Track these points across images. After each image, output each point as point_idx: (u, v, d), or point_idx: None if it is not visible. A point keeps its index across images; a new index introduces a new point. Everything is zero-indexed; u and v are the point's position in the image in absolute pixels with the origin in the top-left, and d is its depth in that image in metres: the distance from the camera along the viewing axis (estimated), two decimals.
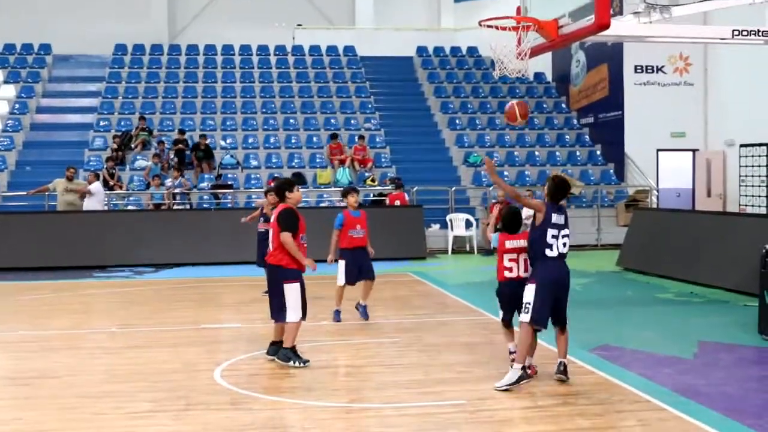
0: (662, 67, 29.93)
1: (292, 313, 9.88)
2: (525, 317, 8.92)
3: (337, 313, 12.86)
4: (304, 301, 9.99)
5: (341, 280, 12.86)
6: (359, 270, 12.90)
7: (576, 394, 8.59)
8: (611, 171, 29.76)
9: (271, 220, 10.18)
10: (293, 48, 36.83)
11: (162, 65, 35.31)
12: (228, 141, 30.01)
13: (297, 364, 9.76)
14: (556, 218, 8.99)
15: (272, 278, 10.07)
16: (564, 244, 9.04)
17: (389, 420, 7.89)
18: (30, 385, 9.37)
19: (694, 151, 29.56)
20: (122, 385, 9.23)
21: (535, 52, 14.71)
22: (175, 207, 24.88)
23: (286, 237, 9.80)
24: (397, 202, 24.24)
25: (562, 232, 9.01)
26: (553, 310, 9.05)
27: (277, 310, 10.04)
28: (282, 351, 9.93)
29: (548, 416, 7.88)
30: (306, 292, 10.05)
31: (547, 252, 8.94)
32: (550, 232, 8.94)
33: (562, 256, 9.03)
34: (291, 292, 9.88)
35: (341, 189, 15.79)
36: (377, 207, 24.27)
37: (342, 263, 12.89)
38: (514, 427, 7.64)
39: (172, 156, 27.46)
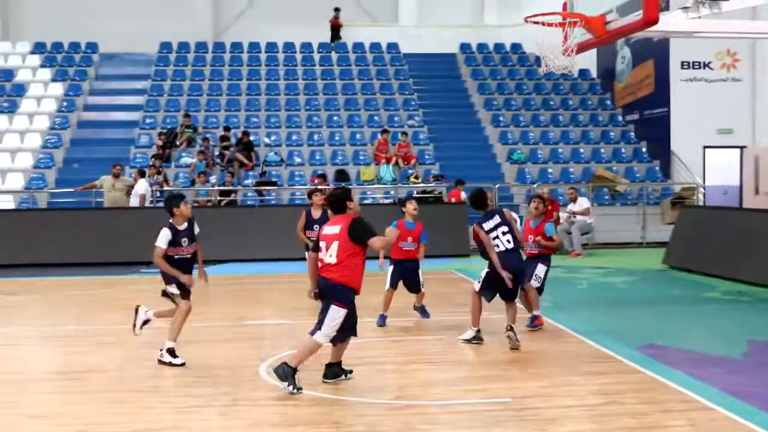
0: (709, 63, 29.64)
1: (323, 335, 8.95)
2: (476, 286, 11.20)
3: (382, 317, 12.64)
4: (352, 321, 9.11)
5: (388, 284, 12.70)
6: (405, 283, 12.76)
7: (622, 392, 8.53)
8: (657, 168, 29.50)
9: (334, 231, 9.11)
10: (337, 45, 36.91)
11: (207, 63, 35.46)
12: (272, 138, 30.08)
13: (290, 388, 8.62)
14: (486, 225, 11.01)
15: (327, 293, 9.06)
16: (507, 240, 10.96)
17: (435, 417, 7.88)
18: (79, 379, 9.48)
19: (741, 148, 29.21)
20: (169, 380, 9.31)
21: (582, 48, 14.63)
22: (221, 204, 25.03)
23: (377, 242, 9.00)
24: (453, 200, 24.32)
25: (500, 230, 10.98)
26: (501, 289, 10.94)
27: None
28: (282, 367, 8.73)
29: (595, 415, 7.83)
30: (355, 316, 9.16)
31: (499, 248, 10.92)
32: (492, 235, 10.97)
33: (509, 250, 10.94)
34: (335, 314, 8.91)
35: (400, 199, 15.80)
36: (421, 204, 24.22)
37: (391, 268, 12.77)
38: (560, 425, 7.58)
39: (216, 153, 27.62)
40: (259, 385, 9.01)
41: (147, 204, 23.16)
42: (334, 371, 9.22)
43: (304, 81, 34.11)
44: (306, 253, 13.00)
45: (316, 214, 14.63)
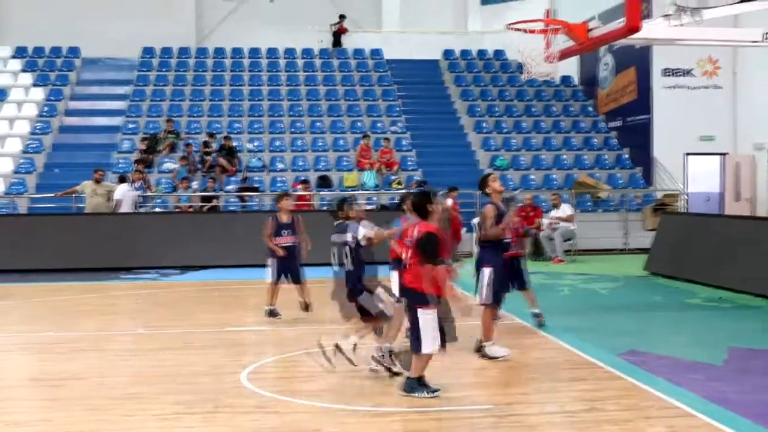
0: (691, 70, 29.76)
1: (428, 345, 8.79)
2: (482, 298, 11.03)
3: None
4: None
5: None
6: None
7: (604, 399, 8.54)
8: (639, 175, 29.62)
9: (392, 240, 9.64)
10: (320, 51, 36.91)
11: (189, 68, 35.41)
12: (255, 144, 30.04)
13: (427, 394, 8.68)
14: None
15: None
16: None
17: (415, 424, 7.88)
18: (58, 386, 9.43)
19: (723, 155, 29.36)
20: (150, 387, 9.26)
21: (564, 55, 14.70)
22: (203, 209, 24.98)
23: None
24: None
25: None
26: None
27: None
28: (408, 383, 8.83)
29: (576, 422, 7.85)
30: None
31: None
32: None
33: None
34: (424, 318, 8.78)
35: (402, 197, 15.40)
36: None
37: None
38: None
39: (198, 159, 27.57)
40: (240, 392, 8.97)
41: (127, 209, 23.10)
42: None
43: (287, 87, 34.08)
44: (271, 260, 13.67)
45: (285, 219, 14.08)
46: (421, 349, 8.75)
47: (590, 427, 7.64)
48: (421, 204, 9.10)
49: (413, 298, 8.85)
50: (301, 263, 13.73)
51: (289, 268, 13.64)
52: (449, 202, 12.42)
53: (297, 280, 13.65)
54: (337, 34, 37.55)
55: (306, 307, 13.59)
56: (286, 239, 13.67)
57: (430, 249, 8.77)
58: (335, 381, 9.32)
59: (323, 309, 12.48)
